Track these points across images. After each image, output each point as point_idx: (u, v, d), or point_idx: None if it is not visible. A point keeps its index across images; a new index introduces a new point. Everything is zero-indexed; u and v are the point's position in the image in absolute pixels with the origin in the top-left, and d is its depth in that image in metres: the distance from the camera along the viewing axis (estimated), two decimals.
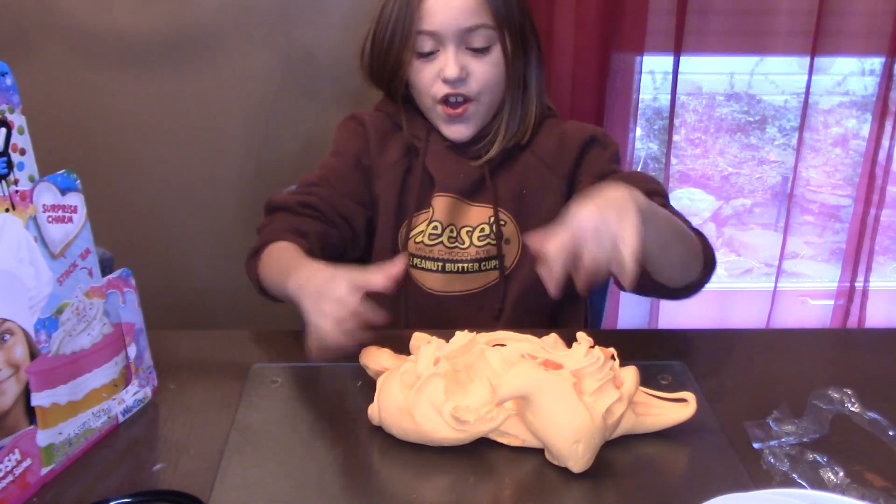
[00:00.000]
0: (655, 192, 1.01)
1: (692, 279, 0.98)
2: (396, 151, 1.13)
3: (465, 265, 1.12)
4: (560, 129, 1.14)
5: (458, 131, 1.10)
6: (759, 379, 0.91)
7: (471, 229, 1.12)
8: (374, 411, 0.80)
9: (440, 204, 1.11)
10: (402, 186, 1.13)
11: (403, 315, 1.13)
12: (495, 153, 1.11)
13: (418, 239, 1.12)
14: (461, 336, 0.81)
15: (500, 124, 1.11)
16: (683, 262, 0.94)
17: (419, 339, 0.85)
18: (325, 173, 1.12)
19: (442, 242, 1.12)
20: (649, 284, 0.94)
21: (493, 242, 1.11)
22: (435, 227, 1.11)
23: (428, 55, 1.07)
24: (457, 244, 1.12)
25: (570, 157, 1.12)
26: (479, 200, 1.12)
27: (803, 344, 1.01)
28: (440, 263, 1.12)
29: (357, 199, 1.12)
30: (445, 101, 1.08)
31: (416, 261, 1.13)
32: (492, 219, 1.11)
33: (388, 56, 1.08)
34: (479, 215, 1.12)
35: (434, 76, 1.07)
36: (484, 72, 1.07)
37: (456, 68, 1.05)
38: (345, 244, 1.12)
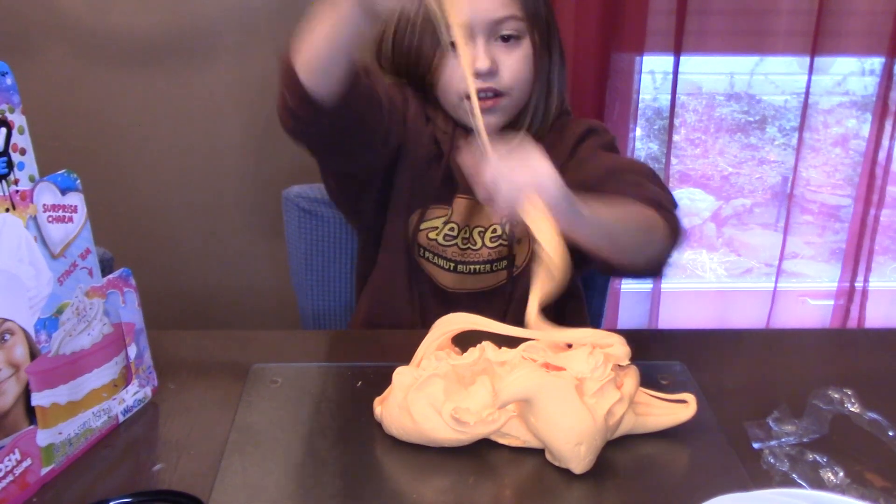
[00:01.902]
0: (634, 171, 1.02)
1: (655, 254, 0.96)
2: (426, 137, 1.10)
3: (477, 266, 1.12)
4: (564, 125, 1.14)
5: (486, 122, 1.07)
6: (759, 379, 0.91)
7: (483, 230, 1.11)
8: (377, 406, 0.80)
9: (460, 206, 1.10)
10: (424, 174, 1.10)
11: (413, 304, 1.12)
12: None
13: (432, 235, 1.11)
14: (472, 352, 0.81)
15: (524, 121, 1.10)
16: (637, 245, 0.94)
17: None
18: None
19: (456, 244, 1.11)
20: (609, 266, 0.95)
21: (506, 243, 1.11)
22: (451, 229, 1.11)
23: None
24: (469, 246, 1.11)
25: (567, 150, 1.11)
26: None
27: (803, 344, 1.01)
28: (452, 264, 1.11)
29: (395, 120, 1.05)
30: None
31: (428, 255, 1.12)
32: (505, 220, 1.11)
33: (421, 51, 1.06)
34: (491, 215, 1.11)
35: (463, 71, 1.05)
36: (515, 65, 1.05)
37: (487, 60, 1.02)
38: (380, 129, 1.02)
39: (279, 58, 0.91)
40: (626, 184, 0.99)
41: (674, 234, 0.96)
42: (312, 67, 0.88)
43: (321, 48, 0.87)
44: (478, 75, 1.04)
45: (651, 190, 0.99)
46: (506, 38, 1.05)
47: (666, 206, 0.97)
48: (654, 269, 0.99)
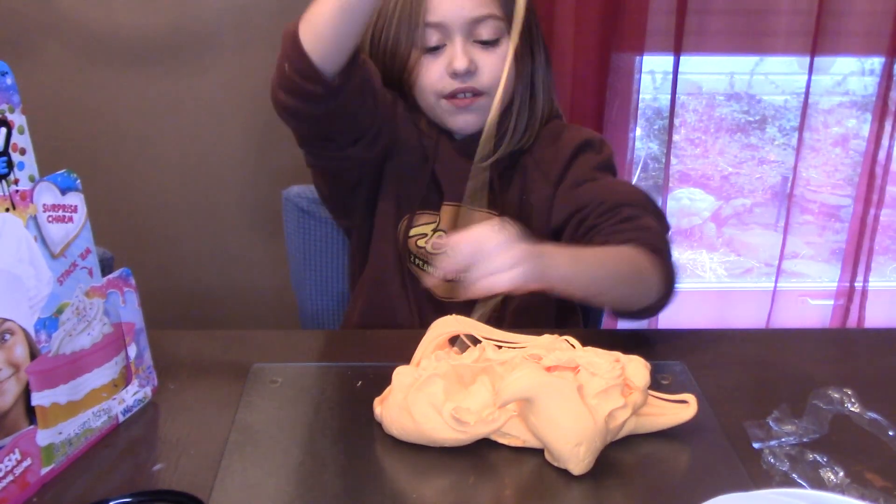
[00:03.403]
0: (631, 203, 1.01)
1: (647, 304, 0.97)
2: (413, 141, 1.10)
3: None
4: (558, 133, 1.12)
5: (464, 120, 1.07)
6: (759, 379, 0.91)
7: None
8: (377, 406, 0.80)
9: (447, 213, 1.09)
10: (410, 179, 1.10)
11: (411, 311, 1.11)
12: (503, 153, 1.08)
13: (420, 243, 1.10)
14: (471, 352, 0.81)
15: (509, 124, 1.08)
16: (627, 297, 0.95)
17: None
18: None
19: (445, 252, 1.10)
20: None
21: None
22: (440, 237, 1.09)
23: (434, 50, 1.03)
24: None
25: (562, 163, 1.09)
26: (482, 206, 1.10)
27: (803, 344, 1.01)
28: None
29: (385, 116, 1.06)
30: (453, 96, 1.04)
31: (419, 262, 1.11)
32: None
33: (396, 52, 1.04)
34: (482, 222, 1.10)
35: (441, 71, 1.03)
36: (493, 65, 1.03)
37: (465, 60, 1.01)
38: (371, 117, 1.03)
39: (284, 29, 0.90)
40: (624, 222, 0.99)
41: (666, 283, 0.96)
42: (319, 34, 0.88)
43: (332, 12, 0.86)
44: (455, 75, 1.03)
45: (649, 230, 0.98)
46: (485, 42, 1.03)
47: (662, 249, 0.97)
48: (646, 313, 0.99)
